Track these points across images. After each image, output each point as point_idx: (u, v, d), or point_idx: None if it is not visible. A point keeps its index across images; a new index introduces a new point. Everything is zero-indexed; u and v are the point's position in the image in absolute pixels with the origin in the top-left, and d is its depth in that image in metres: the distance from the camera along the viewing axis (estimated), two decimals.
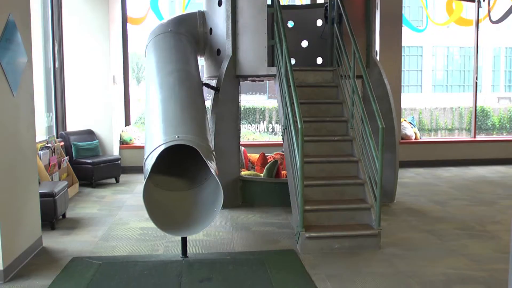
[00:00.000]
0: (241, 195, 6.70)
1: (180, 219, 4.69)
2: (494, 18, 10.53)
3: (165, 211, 4.72)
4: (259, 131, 15.99)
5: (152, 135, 4.91)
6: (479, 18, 10.53)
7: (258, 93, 23.10)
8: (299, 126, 4.74)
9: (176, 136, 4.66)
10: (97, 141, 8.43)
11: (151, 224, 5.62)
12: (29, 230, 4.69)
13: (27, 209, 4.66)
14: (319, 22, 7.66)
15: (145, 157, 4.80)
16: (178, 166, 5.10)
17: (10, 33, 4.17)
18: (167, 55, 6.04)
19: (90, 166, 7.83)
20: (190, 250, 4.79)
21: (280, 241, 5.23)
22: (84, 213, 6.33)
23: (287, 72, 5.44)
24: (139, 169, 9.01)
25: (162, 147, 4.61)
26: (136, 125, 11.60)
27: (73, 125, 8.63)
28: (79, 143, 8.05)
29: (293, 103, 5.10)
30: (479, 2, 10.35)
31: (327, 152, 5.74)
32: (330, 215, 5.16)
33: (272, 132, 16.39)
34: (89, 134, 8.48)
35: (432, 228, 5.73)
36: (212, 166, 4.57)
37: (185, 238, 4.63)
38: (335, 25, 6.49)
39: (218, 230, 5.61)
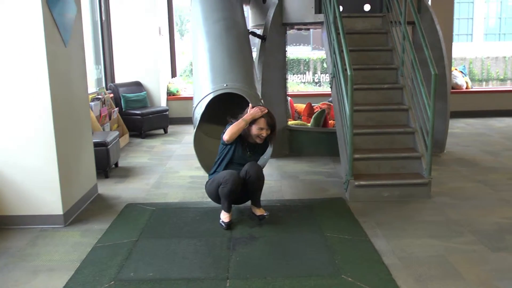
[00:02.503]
0: (288, 144, 6.71)
1: None
2: None
3: (215, 159, 4.78)
4: (304, 82, 15.84)
5: (201, 84, 4.93)
6: None
7: (302, 44, 22.75)
8: (348, 74, 4.65)
9: (225, 85, 4.67)
10: (145, 92, 8.55)
11: (200, 173, 5.77)
12: (85, 177, 4.86)
13: (83, 157, 4.81)
14: None
15: (194, 106, 4.84)
16: (227, 114, 5.12)
17: None
18: (212, 3, 5.96)
19: (139, 117, 7.98)
20: None
21: (328, 190, 5.24)
22: (135, 162, 6.50)
23: (335, 19, 5.30)
24: (186, 120, 9.17)
25: (211, 96, 4.63)
26: (181, 77, 11.67)
27: (121, 77, 8.76)
28: (127, 95, 8.19)
29: (342, 51, 5.00)
30: None
31: (376, 100, 5.63)
32: (380, 164, 5.11)
33: (317, 83, 16.20)
34: (137, 85, 8.60)
35: (484, 178, 5.61)
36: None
37: None
38: None
39: (267, 178, 5.57)
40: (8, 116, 4.06)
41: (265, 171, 5.80)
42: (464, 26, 28.96)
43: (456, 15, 27.93)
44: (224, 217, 4.16)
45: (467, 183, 5.45)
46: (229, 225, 4.12)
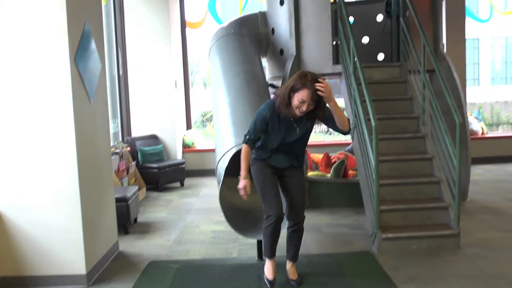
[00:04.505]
0: (308, 196, 6.62)
1: (254, 221, 4.66)
2: None
3: (239, 213, 4.70)
4: (314, 131, 15.87)
5: (223, 138, 4.91)
6: None
7: None
8: (373, 124, 4.62)
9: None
10: (161, 145, 8.56)
11: (222, 227, 5.67)
12: (107, 234, 4.78)
13: (105, 214, 4.75)
14: (380, 17, 7.47)
15: (217, 160, 4.79)
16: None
17: (86, 41, 4.26)
18: (231, 57, 6.04)
19: (156, 170, 7.95)
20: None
21: (354, 243, 5.12)
22: (155, 217, 6.42)
23: (355, 69, 5.32)
24: (202, 173, 9.13)
25: (234, 150, 4.59)
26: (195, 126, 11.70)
27: (137, 130, 8.80)
28: (144, 148, 8.19)
29: (364, 101, 4.99)
30: None
31: (399, 150, 5.58)
32: (406, 215, 5.00)
33: (327, 132, 16.22)
34: (154, 138, 8.62)
35: None
36: None
37: (261, 241, 4.59)
38: (401, 18, 6.31)
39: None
40: (34, 174, 4.03)
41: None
42: (470, 71, 29.20)
43: None
44: (268, 272, 3.98)
45: (495, 232, 5.31)
46: (273, 285, 3.95)
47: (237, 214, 4.68)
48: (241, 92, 5.31)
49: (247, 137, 3.81)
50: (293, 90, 3.55)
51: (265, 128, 3.76)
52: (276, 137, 3.78)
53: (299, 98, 3.52)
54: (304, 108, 3.54)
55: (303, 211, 3.92)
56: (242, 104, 5.18)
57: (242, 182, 3.79)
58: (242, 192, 3.81)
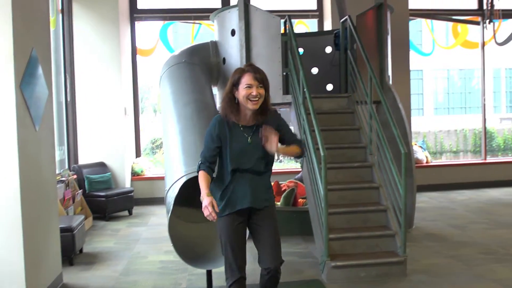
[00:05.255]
0: None
1: (204, 251, 4.61)
2: (499, 40, 10.59)
3: (188, 243, 4.64)
4: None
5: (173, 167, 4.86)
6: (485, 40, 10.61)
7: None
8: (321, 154, 4.70)
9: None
10: (109, 173, 8.38)
11: (171, 257, 5.58)
12: (51, 266, 4.60)
13: (49, 244, 4.59)
14: (328, 49, 7.69)
15: (167, 189, 4.74)
16: (199, 197, 5.04)
17: (33, 67, 4.17)
18: (182, 85, 6.02)
19: (103, 198, 7.76)
20: (214, 283, 4.69)
21: (304, 271, 5.13)
22: (101, 247, 6.24)
23: (305, 100, 5.43)
24: (151, 201, 8.99)
25: (184, 179, 4.55)
26: (143, 156, 11.55)
27: (85, 158, 8.60)
28: (91, 176, 8.00)
29: (313, 130, 5.08)
30: (484, 25, 10.42)
31: (347, 179, 5.69)
32: (355, 243, 5.08)
33: (277, 159, 16.34)
34: (102, 166, 8.44)
35: (456, 253, 5.64)
36: None
37: (210, 271, 4.54)
38: (348, 51, 6.51)
39: None
40: None
41: None
42: (415, 101, 30.27)
43: None
44: None
45: (440, 259, 5.46)
46: None
47: (186, 244, 4.62)
48: (192, 121, 5.30)
49: (199, 162, 3.35)
50: (236, 84, 3.22)
51: (218, 146, 3.30)
52: (230, 154, 3.27)
53: (245, 84, 3.16)
54: (254, 92, 3.15)
55: (278, 258, 3.35)
56: (192, 133, 5.16)
57: (206, 200, 3.16)
58: (207, 211, 3.13)
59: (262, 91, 3.19)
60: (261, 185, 3.36)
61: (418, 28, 20.53)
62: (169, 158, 5.07)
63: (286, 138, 3.39)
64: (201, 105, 5.63)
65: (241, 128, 3.28)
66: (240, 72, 3.23)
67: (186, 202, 4.91)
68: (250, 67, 3.24)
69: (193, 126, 5.25)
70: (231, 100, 3.25)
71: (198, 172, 3.34)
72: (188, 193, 4.86)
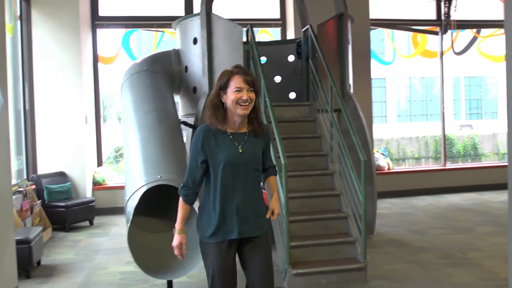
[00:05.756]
0: None
1: (165, 261, 4.56)
2: (457, 50, 10.91)
3: (148, 254, 4.59)
4: None
5: (133, 176, 4.80)
6: (443, 50, 10.89)
7: None
8: (282, 162, 4.73)
9: (159, 176, 4.57)
10: (69, 183, 8.22)
11: (131, 268, 5.49)
12: (6, 280, 4.48)
13: (4, 258, 4.46)
14: (291, 58, 7.76)
15: (127, 199, 4.68)
16: (160, 207, 5.00)
17: None
18: (143, 94, 5.97)
19: (63, 209, 7.60)
20: None
21: None
22: (60, 259, 6.10)
23: (266, 108, 5.46)
24: (113, 211, 8.84)
25: (144, 188, 4.50)
26: (105, 164, 11.38)
27: (44, 167, 8.40)
28: (51, 186, 7.83)
29: (274, 139, 5.10)
30: (442, 35, 10.71)
31: (308, 187, 5.73)
32: (316, 250, 5.11)
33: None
34: (61, 176, 8.27)
35: (416, 258, 5.74)
36: (195, 205, 4.48)
37: (171, 281, 4.50)
38: (310, 60, 6.58)
39: (201, 271, 5.38)
40: None
41: (200, 263, 5.63)
42: (378, 108, 30.78)
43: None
44: None
45: (400, 264, 5.55)
46: None
47: (147, 254, 4.57)
48: (153, 130, 5.26)
49: (182, 184, 3.05)
50: (223, 88, 2.90)
51: (205, 161, 2.94)
52: (217, 167, 2.93)
53: (234, 88, 2.85)
54: (244, 96, 2.83)
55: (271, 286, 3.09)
56: (153, 142, 5.12)
57: (177, 239, 2.98)
58: (177, 252, 2.99)
59: (252, 95, 2.88)
60: (252, 206, 3.00)
61: (380, 37, 20.90)
62: (130, 167, 5.01)
63: (265, 161, 3.16)
64: (162, 113, 5.59)
65: (230, 136, 2.95)
66: (229, 74, 2.91)
67: (146, 211, 4.87)
68: (239, 69, 2.93)
69: (154, 135, 5.21)
70: (217, 105, 2.93)
71: (179, 195, 3.06)
72: (149, 202, 4.83)
